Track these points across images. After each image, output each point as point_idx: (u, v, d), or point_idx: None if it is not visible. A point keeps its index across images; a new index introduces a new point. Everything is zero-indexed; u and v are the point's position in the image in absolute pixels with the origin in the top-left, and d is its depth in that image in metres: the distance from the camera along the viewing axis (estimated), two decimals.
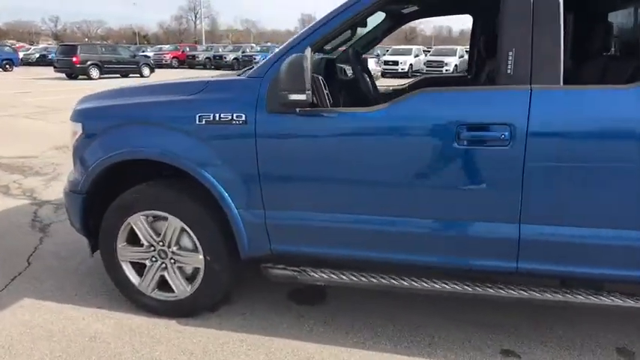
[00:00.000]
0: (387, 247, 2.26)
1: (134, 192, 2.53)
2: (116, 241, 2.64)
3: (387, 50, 27.86)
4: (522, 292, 2.18)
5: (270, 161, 2.27)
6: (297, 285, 2.93)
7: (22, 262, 3.41)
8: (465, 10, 3.56)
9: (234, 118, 2.28)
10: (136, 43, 59.97)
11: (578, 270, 2.10)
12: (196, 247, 2.53)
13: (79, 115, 2.63)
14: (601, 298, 2.12)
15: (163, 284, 2.67)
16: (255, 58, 29.47)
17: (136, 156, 2.45)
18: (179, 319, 2.67)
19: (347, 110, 2.18)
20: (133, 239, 2.66)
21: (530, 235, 2.09)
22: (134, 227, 2.59)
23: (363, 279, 2.32)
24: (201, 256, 2.52)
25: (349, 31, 3.12)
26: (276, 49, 2.36)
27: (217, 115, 2.30)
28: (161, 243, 2.59)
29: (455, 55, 24.29)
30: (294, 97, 2.03)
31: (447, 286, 2.25)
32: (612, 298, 2.10)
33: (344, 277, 2.34)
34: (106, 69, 22.02)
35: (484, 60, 3.32)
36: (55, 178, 5.63)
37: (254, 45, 38.30)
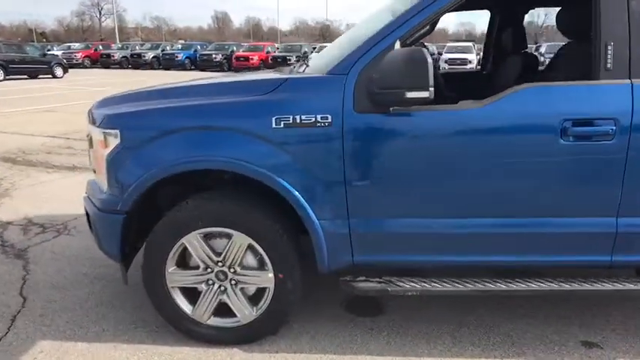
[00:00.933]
0: (487, 249, 2.17)
1: (192, 208, 2.21)
2: (165, 266, 2.30)
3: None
4: (616, 284, 2.19)
5: (358, 165, 2.09)
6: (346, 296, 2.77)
7: (15, 297, 2.89)
8: (484, 6, 3.58)
9: (319, 119, 2.06)
10: (32, 41, 54.74)
11: None
12: (263, 265, 2.27)
13: (115, 122, 2.24)
14: None
15: (219, 309, 2.38)
16: (177, 56, 28.25)
17: (198, 166, 2.14)
18: (240, 346, 2.39)
19: (447, 108, 2.05)
20: (183, 262, 2.34)
21: (626, 227, 2.10)
22: (189, 248, 2.27)
23: (459, 286, 2.21)
24: (271, 274, 2.26)
25: None
26: (355, 44, 2.15)
27: (298, 117, 2.07)
28: (220, 263, 2.29)
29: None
30: (413, 94, 1.86)
31: (544, 285, 2.21)
32: None
33: (437, 285, 2.22)
34: (11, 69, 19.78)
35: (505, 55, 3.34)
36: (5, 195, 4.90)
37: (175, 43, 36.69)
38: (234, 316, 2.36)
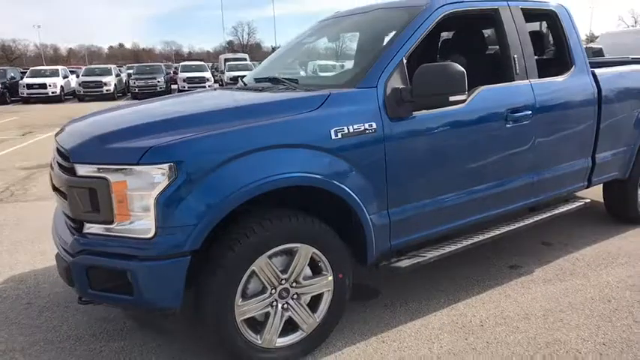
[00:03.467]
0: (480, 209, 2.89)
1: (261, 230, 2.15)
2: (235, 299, 2.17)
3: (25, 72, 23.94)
4: (522, 221, 3.19)
5: (396, 162, 2.47)
6: None
7: None
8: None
9: (367, 127, 2.37)
10: None
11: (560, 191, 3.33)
12: (320, 271, 2.41)
13: (170, 154, 1.97)
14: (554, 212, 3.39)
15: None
16: None
17: (277, 185, 2.12)
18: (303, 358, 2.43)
19: (448, 108, 2.60)
20: (244, 290, 2.25)
21: (537, 177, 3.14)
22: (257, 273, 2.21)
23: (459, 244, 2.85)
24: (330, 277, 2.41)
25: None
26: (371, 61, 2.52)
27: (351, 127, 2.32)
28: (283, 281, 2.31)
29: (112, 74, 23.27)
30: (455, 97, 2.37)
31: (497, 231, 3.05)
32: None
33: (447, 247, 2.81)
34: None
35: None
36: None
37: None
38: (297, 329, 2.40)
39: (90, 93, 22.00)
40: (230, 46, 69.76)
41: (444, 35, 4.24)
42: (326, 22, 3.66)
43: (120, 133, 2.15)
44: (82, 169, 2.09)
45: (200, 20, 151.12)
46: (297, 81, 2.79)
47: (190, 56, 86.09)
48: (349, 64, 3.45)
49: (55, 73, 23.05)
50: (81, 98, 22.15)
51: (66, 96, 22.92)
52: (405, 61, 2.54)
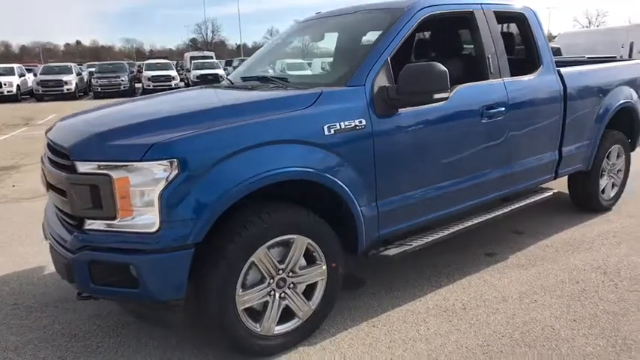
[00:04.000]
0: (461, 199, 3.07)
1: (260, 222, 2.25)
2: (236, 289, 2.25)
3: None
4: (497, 211, 3.41)
5: (384, 156, 2.61)
6: None
7: None
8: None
9: (357, 123, 2.49)
10: None
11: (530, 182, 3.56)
12: (316, 260, 2.51)
13: (173, 150, 2.02)
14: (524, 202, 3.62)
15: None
16: None
17: (275, 179, 2.21)
18: (299, 347, 2.54)
19: (430, 105, 2.76)
20: (244, 281, 2.33)
21: (510, 170, 3.35)
22: (257, 264, 2.30)
23: (441, 233, 3.01)
24: (324, 267, 2.53)
25: None
26: (359, 60, 2.64)
27: (342, 123, 2.44)
28: (280, 271, 2.41)
29: (72, 72, 22.53)
30: (439, 95, 2.52)
31: (481, 219, 3.25)
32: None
33: (431, 236, 2.97)
34: None
35: None
36: None
37: None
38: (293, 317, 2.50)
39: (49, 92, 21.23)
40: (194, 44, 68.68)
41: (418, 36, 4.42)
42: (307, 23, 3.77)
43: (120, 130, 2.20)
44: (83, 167, 2.12)
45: (161, 18, 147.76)
46: (286, 79, 2.88)
47: (152, 54, 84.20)
48: (335, 64, 3.58)
49: (10, 72, 22.10)
50: (39, 98, 21.35)
51: (22, 95, 22.05)
52: (388, 58, 2.67)
